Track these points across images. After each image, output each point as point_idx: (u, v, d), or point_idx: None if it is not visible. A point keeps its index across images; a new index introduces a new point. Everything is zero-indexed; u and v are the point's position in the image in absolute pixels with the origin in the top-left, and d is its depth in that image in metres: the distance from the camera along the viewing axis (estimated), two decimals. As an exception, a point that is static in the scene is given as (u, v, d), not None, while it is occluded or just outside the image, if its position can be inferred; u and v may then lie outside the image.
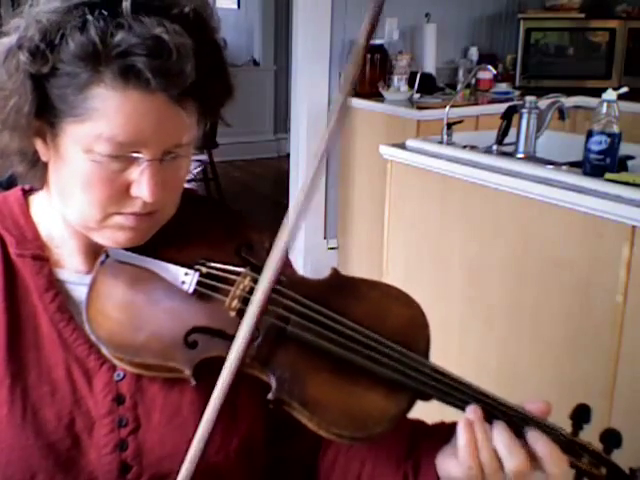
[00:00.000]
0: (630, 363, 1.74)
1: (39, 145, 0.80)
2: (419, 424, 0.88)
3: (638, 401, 1.71)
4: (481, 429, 0.74)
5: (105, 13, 0.72)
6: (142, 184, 0.76)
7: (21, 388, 0.79)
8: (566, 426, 0.79)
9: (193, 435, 0.70)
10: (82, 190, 0.77)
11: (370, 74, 3.75)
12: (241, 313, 0.76)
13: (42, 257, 0.84)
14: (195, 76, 0.74)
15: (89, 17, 0.72)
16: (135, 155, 0.75)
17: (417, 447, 0.84)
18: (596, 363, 1.81)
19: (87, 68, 0.72)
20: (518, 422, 0.76)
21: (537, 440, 0.75)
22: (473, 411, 0.75)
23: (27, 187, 0.90)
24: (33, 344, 0.81)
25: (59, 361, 0.80)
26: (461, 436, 0.74)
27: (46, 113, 0.76)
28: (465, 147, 2.38)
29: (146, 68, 0.71)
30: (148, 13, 0.73)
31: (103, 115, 0.73)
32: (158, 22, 0.72)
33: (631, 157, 2.15)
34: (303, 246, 3.83)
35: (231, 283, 0.80)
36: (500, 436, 0.74)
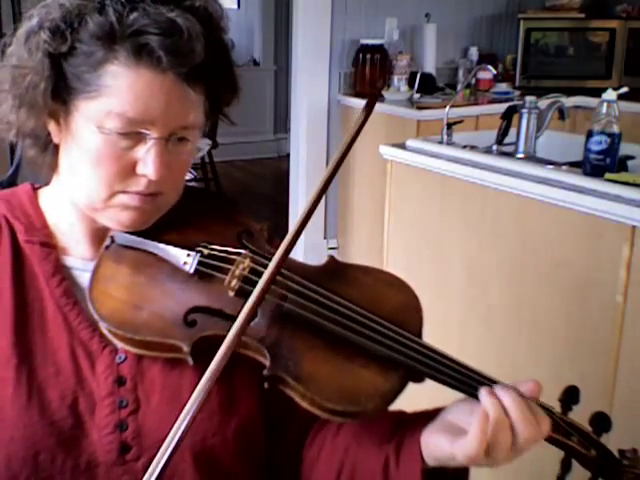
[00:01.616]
0: (630, 363, 1.74)
1: (52, 127, 0.84)
2: (402, 413, 0.89)
3: (638, 401, 1.71)
4: (500, 410, 0.73)
5: (123, 0, 0.78)
6: (148, 162, 0.80)
7: (27, 369, 0.81)
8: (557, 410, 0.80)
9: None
10: (91, 167, 0.81)
11: (370, 74, 3.75)
12: (240, 293, 0.79)
13: (49, 244, 0.87)
14: (204, 58, 0.78)
15: (108, 1, 0.78)
16: (143, 131, 0.79)
17: (400, 430, 0.84)
18: (596, 363, 1.81)
19: (103, 46, 0.77)
20: None
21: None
22: (489, 395, 0.74)
23: (37, 185, 0.93)
24: (39, 327, 0.83)
25: (64, 344, 0.83)
26: (478, 422, 0.73)
27: (62, 92, 0.80)
28: (465, 147, 2.38)
29: (158, 46, 0.76)
30: (162, 1, 0.79)
31: (115, 92, 0.77)
32: (171, 9, 0.78)
33: (631, 157, 2.15)
34: (303, 246, 3.84)
35: (232, 263, 0.83)
36: (517, 406, 0.73)
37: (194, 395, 0.70)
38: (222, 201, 0.98)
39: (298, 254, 3.82)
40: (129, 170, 0.80)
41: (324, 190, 0.81)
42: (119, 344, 0.80)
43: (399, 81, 3.70)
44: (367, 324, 0.79)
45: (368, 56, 3.74)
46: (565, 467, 0.80)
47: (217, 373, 0.70)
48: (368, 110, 0.83)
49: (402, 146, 2.43)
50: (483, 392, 0.75)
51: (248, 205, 5.17)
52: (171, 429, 0.69)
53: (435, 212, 2.29)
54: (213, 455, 0.83)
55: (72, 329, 0.83)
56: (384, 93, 3.63)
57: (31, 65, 0.79)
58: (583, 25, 4.05)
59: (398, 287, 0.86)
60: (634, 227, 1.70)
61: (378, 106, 3.53)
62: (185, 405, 0.76)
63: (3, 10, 4.69)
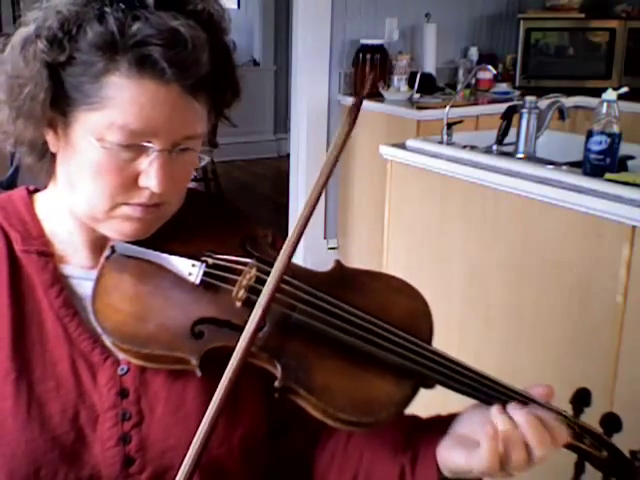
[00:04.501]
0: (630, 363, 1.74)
1: (50, 136, 0.81)
2: (415, 418, 0.88)
3: (638, 401, 1.71)
4: (513, 430, 0.73)
5: (122, 6, 0.75)
6: (151, 174, 0.77)
7: (26, 382, 0.79)
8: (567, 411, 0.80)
9: (196, 428, 0.70)
10: (92, 179, 0.78)
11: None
12: (247, 303, 0.78)
13: (47, 253, 0.85)
14: (209, 68, 0.76)
15: (107, 9, 0.75)
16: (146, 144, 0.77)
17: (414, 439, 0.84)
18: (596, 363, 1.81)
19: (104, 57, 0.74)
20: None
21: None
22: (499, 414, 0.74)
23: (31, 188, 0.91)
24: (38, 339, 0.81)
25: (64, 356, 0.81)
26: (487, 444, 0.73)
27: (60, 102, 0.78)
28: (465, 147, 2.37)
29: (162, 58, 0.73)
30: (164, 8, 0.75)
31: (117, 104, 0.75)
32: (174, 16, 0.75)
33: (631, 157, 2.15)
34: (303, 246, 3.83)
35: (238, 274, 0.81)
36: (529, 425, 0.73)
37: (208, 412, 0.69)
38: (225, 206, 0.96)
39: (298, 254, 3.81)
40: (131, 182, 0.78)
41: (321, 193, 0.80)
42: (124, 357, 0.79)
43: (399, 81, 3.70)
44: (378, 332, 0.78)
45: (368, 56, 3.74)
46: (578, 469, 0.80)
47: (230, 387, 0.70)
48: (354, 114, 0.81)
49: (402, 146, 2.43)
50: (494, 411, 0.75)
51: (248, 205, 5.17)
52: (177, 442, 0.67)
53: (435, 212, 2.29)
54: (218, 464, 0.82)
55: (72, 341, 0.81)
56: (384, 93, 3.63)
57: (28, 75, 0.76)
58: (583, 25, 4.05)
59: (407, 293, 0.86)
60: (634, 227, 1.70)
61: (378, 106, 3.56)
62: (189, 416, 0.75)
63: (3, 11, 4.69)
